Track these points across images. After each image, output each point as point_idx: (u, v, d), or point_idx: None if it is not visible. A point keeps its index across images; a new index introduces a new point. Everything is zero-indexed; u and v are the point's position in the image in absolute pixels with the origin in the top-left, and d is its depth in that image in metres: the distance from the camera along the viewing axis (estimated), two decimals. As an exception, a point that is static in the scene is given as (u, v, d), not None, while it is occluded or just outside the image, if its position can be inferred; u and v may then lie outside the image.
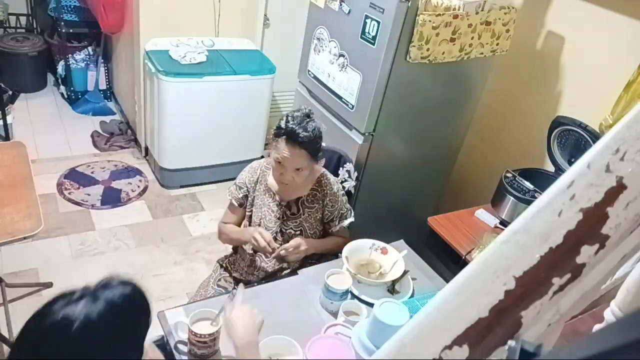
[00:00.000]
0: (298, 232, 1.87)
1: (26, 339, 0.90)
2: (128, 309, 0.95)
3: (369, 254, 1.81)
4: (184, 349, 1.41)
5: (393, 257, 1.78)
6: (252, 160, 3.53)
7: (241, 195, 1.90)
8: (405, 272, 1.73)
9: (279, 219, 1.86)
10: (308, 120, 1.72)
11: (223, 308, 1.37)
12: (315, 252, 1.90)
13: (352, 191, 2.14)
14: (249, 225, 1.93)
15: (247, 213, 1.94)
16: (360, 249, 1.80)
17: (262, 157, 3.62)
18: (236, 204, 1.92)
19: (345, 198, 1.95)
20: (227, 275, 1.95)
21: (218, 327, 1.38)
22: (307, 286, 1.69)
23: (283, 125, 1.71)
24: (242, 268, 1.93)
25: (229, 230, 1.94)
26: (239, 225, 1.97)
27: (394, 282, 1.70)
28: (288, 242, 1.83)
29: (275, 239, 1.84)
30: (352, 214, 1.95)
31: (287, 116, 1.73)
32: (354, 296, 1.66)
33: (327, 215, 1.90)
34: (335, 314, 1.60)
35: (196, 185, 3.39)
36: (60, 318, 0.89)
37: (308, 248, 1.82)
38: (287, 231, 1.87)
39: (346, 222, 1.93)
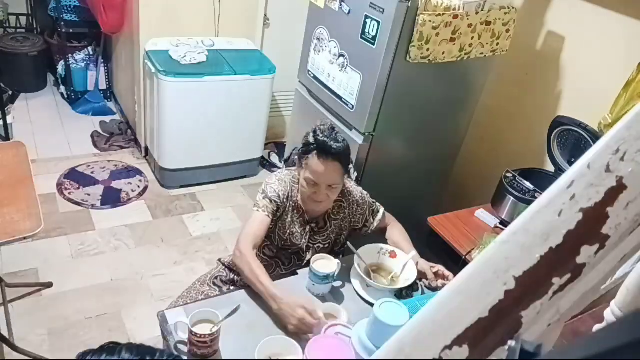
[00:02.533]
0: (326, 245, 1.84)
1: None
2: None
3: (378, 258, 1.80)
4: (184, 349, 1.41)
5: (402, 260, 1.78)
6: (253, 161, 3.57)
7: (276, 208, 1.74)
8: (417, 280, 1.72)
9: (307, 235, 1.81)
10: (336, 132, 1.68)
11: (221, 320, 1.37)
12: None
13: None
14: (269, 239, 1.80)
15: (269, 226, 1.77)
16: (369, 253, 1.78)
17: (263, 157, 3.62)
18: (271, 217, 1.73)
19: (366, 193, 1.91)
20: (224, 275, 1.95)
21: (218, 327, 1.38)
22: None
23: (312, 140, 1.65)
24: None
25: (253, 275, 1.58)
26: (264, 234, 1.74)
27: (402, 290, 1.70)
28: (316, 253, 1.74)
29: (298, 253, 1.81)
30: (381, 207, 1.93)
31: (315, 131, 1.67)
32: (362, 299, 1.66)
33: (360, 220, 1.87)
34: (319, 297, 1.65)
35: (196, 185, 3.39)
36: None
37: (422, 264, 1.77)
38: (315, 245, 1.83)
39: (380, 215, 1.90)
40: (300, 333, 1.46)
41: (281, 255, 1.87)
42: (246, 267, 1.60)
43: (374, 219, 1.90)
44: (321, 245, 1.83)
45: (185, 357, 1.39)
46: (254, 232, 1.68)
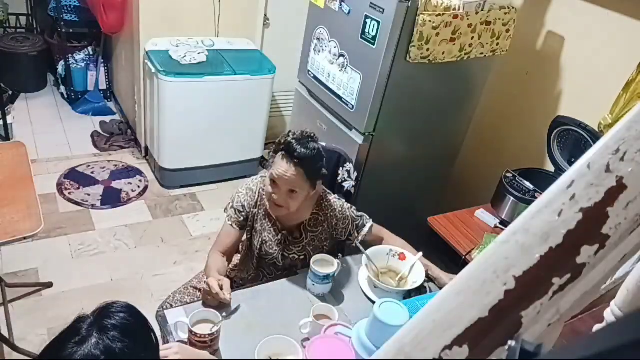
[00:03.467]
0: (302, 257, 1.80)
1: None
2: (135, 327, 0.96)
3: (387, 260, 1.80)
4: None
5: (411, 262, 1.78)
6: (252, 161, 3.57)
7: (242, 218, 1.78)
8: (425, 281, 1.72)
9: (280, 244, 1.78)
10: (310, 140, 1.64)
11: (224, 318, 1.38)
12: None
13: (352, 191, 2.13)
14: (249, 249, 1.84)
15: (246, 236, 1.84)
16: (378, 255, 1.78)
17: (263, 157, 3.62)
18: (237, 228, 1.78)
19: (354, 209, 1.86)
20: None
21: (218, 327, 1.38)
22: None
23: (282, 140, 1.64)
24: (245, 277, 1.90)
25: (207, 268, 1.76)
26: (235, 249, 1.86)
27: (410, 292, 1.69)
28: (292, 264, 1.79)
29: (275, 264, 1.80)
30: (368, 218, 1.88)
31: (289, 132, 1.66)
32: (370, 300, 1.66)
33: (342, 233, 1.82)
34: (318, 297, 1.66)
35: (196, 185, 3.39)
36: (87, 357, 0.87)
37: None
38: (290, 256, 1.79)
39: (365, 229, 1.84)
40: (208, 302, 1.55)
41: (262, 264, 1.85)
42: (205, 268, 1.76)
43: (358, 233, 1.84)
44: (296, 257, 1.79)
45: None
46: (221, 241, 1.81)
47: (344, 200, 1.86)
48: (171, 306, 1.73)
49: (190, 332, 1.36)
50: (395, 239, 1.89)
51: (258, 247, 1.79)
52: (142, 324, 0.99)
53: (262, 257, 1.82)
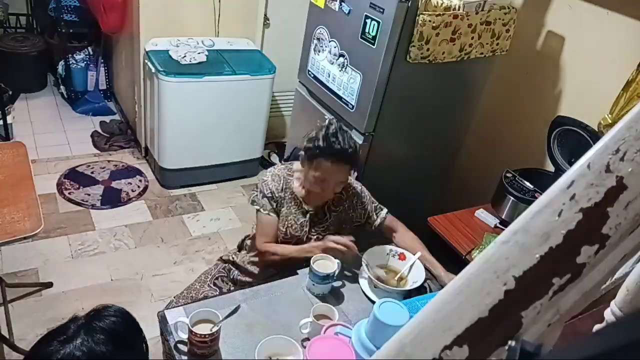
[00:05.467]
0: (322, 236, 1.82)
1: None
2: (124, 333, 0.96)
3: (387, 260, 1.80)
4: (184, 348, 1.41)
5: (410, 262, 1.78)
6: (253, 161, 3.57)
7: (275, 205, 1.81)
8: (426, 280, 1.72)
9: (305, 225, 1.83)
10: (344, 132, 1.69)
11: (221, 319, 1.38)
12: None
13: None
14: (281, 233, 1.85)
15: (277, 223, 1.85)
16: (378, 255, 1.78)
17: (263, 157, 3.62)
18: (274, 215, 1.81)
19: (367, 191, 1.93)
20: (225, 275, 1.95)
21: (218, 327, 1.38)
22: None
23: (322, 144, 1.65)
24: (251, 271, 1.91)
25: (287, 251, 1.80)
26: (274, 238, 1.85)
27: (411, 292, 1.69)
28: None
29: (297, 244, 1.83)
30: (382, 206, 1.93)
31: (327, 134, 1.66)
32: (370, 300, 1.66)
33: (362, 215, 1.88)
34: (319, 297, 1.65)
35: (196, 185, 3.39)
36: (65, 358, 0.88)
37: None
38: (315, 237, 1.84)
39: (383, 213, 1.91)
40: (337, 253, 1.69)
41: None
42: (275, 257, 1.80)
43: (377, 216, 1.90)
44: (320, 237, 1.83)
45: (185, 357, 1.39)
46: (267, 232, 1.83)
47: (359, 183, 1.93)
48: None
49: (190, 331, 1.36)
50: (407, 232, 1.93)
51: (284, 230, 1.83)
52: (132, 330, 0.99)
53: (286, 240, 1.84)
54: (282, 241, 1.85)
